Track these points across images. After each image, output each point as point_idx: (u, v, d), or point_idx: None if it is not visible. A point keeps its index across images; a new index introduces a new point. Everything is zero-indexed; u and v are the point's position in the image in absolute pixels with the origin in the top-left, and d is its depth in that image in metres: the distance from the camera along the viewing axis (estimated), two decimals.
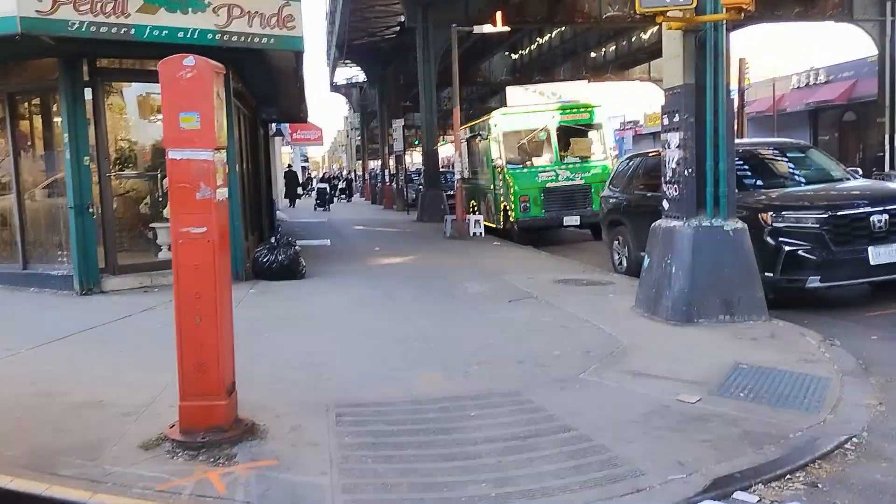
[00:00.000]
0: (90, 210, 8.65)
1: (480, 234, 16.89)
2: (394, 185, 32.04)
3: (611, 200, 11.42)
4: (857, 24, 23.51)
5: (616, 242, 11.04)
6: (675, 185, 7.05)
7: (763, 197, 8.10)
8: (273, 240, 9.55)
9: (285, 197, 36.08)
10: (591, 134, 16.43)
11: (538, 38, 32.58)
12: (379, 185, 36.47)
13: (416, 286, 9.45)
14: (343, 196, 39.87)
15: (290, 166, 46.52)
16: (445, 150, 35.30)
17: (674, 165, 7.06)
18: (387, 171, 33.60)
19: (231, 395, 4.02)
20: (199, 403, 3.85)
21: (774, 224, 7.60)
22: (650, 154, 10.89)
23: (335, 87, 52.42)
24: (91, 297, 8.68)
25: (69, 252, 8.82)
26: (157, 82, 3.74)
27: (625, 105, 47.63)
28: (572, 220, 15.34)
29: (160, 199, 9.24)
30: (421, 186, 25.03)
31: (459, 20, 19.19)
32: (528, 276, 10.14)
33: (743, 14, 6.47)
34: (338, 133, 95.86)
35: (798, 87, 36.47)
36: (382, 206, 33.04)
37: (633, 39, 32.13)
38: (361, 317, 7.64)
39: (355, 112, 56.96)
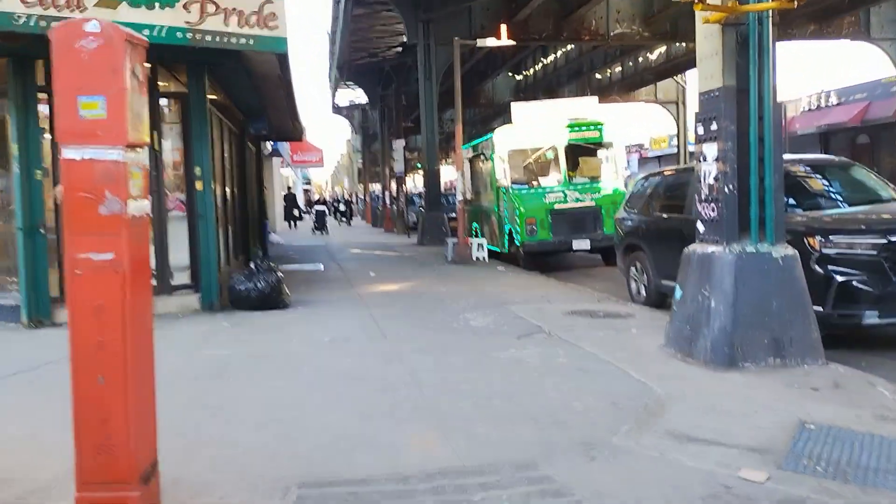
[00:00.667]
0: (42, 231, 7.65)
1: (484, 258, 15.88)
2: (394, 207, 31.11)
3: (627, 223, 10.41)
4: (875, 42, 22.66)
5: (633, 269, 10.02)
6: (713, 205, 6.03)
7: (808, 219, 7.08)
8: (252, 265, 8.50)
9: (285, 219, 35.46)
10: (602, 153, 15.48)
11: (542, 59, 31.82)
12: (380, 207, 35.55)
13: (412, 318, 8.41)
14: (343, 219, 38.80)
15: (289, 188, 45.79)
16: (448, 172, 34.46)
17: (711, 181, 6.05)
18: (387, 194, 32.68)
19: (149, 482, 2.96)
20: (101, 496, 2.80)
21: (823, 250, 6.57)
22: (670, 172, 9.91)
23: (337, 109, 51.75)
24: (40, 331, 7.66)
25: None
26: None
27: (630, 127, 46.83)
28: (582, 244, 14.32)
29: None
30: (422, 209, 24.06)
31: (462, 36, 18.36)
32: (537, 306, 9.10)
33: (795, 3, 5.50)
34: (341, 156, 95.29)
35: (809, 110, 35.64)
36: (383, 230, 32.10)
37: (640, 60, 31.34)
38: (346, 356, 6.58)
39: (357, 134, 56.28)
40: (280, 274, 8.64)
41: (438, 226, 21.26)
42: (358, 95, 45.47)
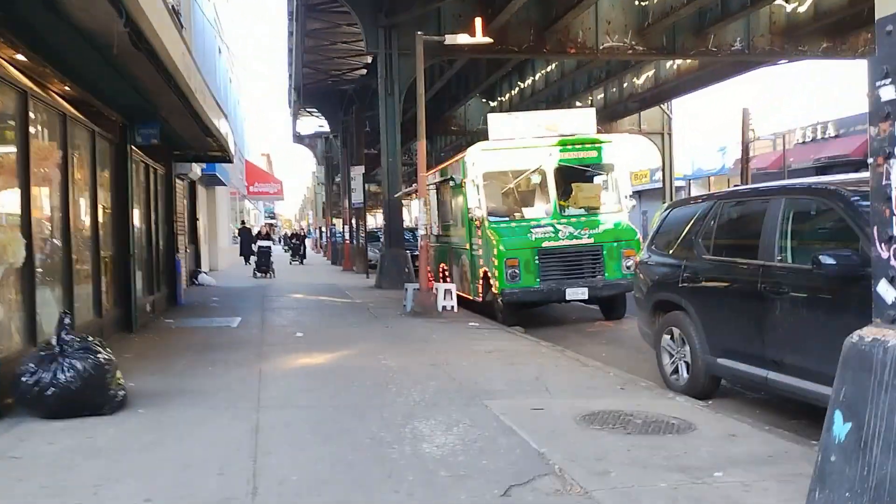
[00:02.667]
0: None
1: (452, 308, 12.62)
2: (355, 244, 27.74)
3: (656, 269, 7.25)
4: None
5: (668, 338, 6.83)
6: None
7: None
8: (55, 340, 5.05)
9: (241, 254, 32.48)
10: (601, 178, 12.41)
11: (519, 82, 28.96)
12: (339, 243, 32.13)
13: (325, 432, 5.04)
14: (294, 257, 33.69)
15: (243, 223, 42.25)
16: (415, 207, 31.17)
17: None
18: (346, 229, 29.33)
19: None
20: None
21: None
22: (730, 197, 6.77)
23: (298, 138, 48.51)
24: None
25: None
26: None
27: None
28: (578, 292, 11.13)
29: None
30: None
31: (430, 46, 15.27)
32: (531, 400, 5.83)
33: None
34: (307, 189, 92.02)
35: (803, 142, 33.32)
36: (342, 268, 28.66)
37: (625, 85, 28.73)
38: None
39: (320, 165, 53.06)
40: (104, 355, 5.17)
41: (400, 266, 17.98)
42: (322, 124, 42.46)
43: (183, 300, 13.45)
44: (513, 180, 12.06)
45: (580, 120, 12.50)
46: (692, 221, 6.83)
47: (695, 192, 39.04)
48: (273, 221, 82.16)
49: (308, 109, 41.50)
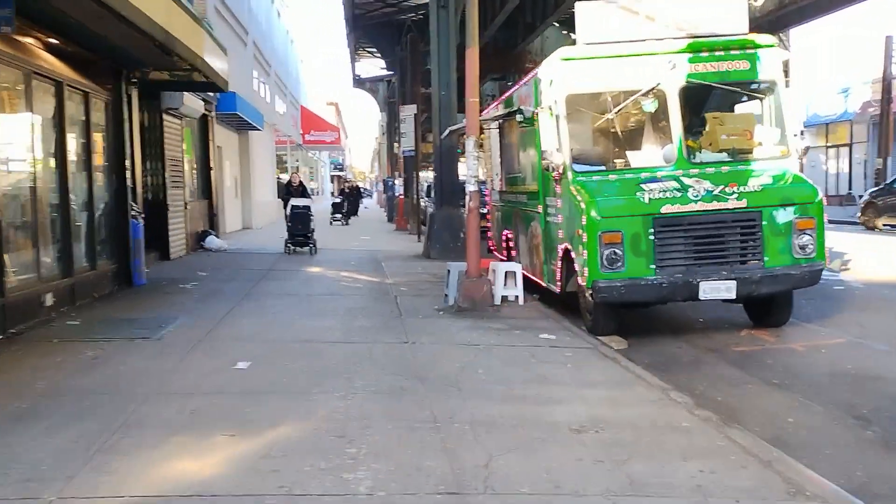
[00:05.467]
0: None
1: (517, 299, 8.62)
2: (410, 199, 23.75)
3: None
4: None
5: None
6: None
7: None
8: None
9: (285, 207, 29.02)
10: (754, 104, 7.95)
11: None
12: (394, 198, 28.20)
13: None
14: (337, 217, 26.96)
15: (291, 174, 39.64)
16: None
17: None
18: (400, 181, 25.39)
19: None
20: None
21: None
22: None
23: (359, 82, 44.37)
24: None
25: None
26: None
27: None
28: (719, 288, 6.86)
29: None
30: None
31: None
32: None
33: None
34: (375, 140, 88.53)
35: None
36: (395, 227, 24.79)
37: None
38: None
39: (382, 111, 49.08)
40: None
41: (455, 230, 13.97)
42: (384, 66, 38.35)
43: (143, 279, 9.79)
44: (611, 107, 7.72)
45: (723, 12, 7.97)
46: None
47: (809, 142, 33.01)
48: (343, 174, 78.62)
49: (367, 49, 37.41)
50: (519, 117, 9.41)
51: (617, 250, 6.89)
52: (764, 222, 6.92)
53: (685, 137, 7.46)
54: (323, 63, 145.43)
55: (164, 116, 12.82)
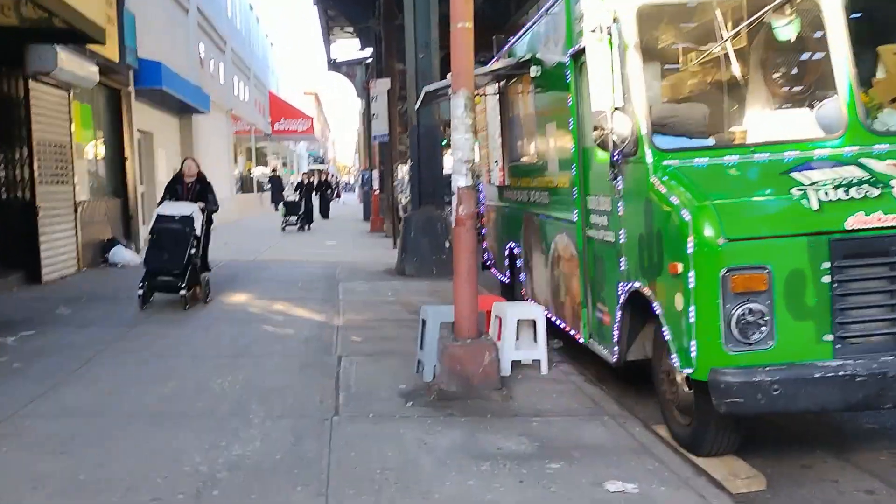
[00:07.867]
0: None
1: (540, 366, 5.13)
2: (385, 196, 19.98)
3: None
4: None
5: None
6: None
7: None
8: None
9: (272, 202, 29.48)
10: None
11: None
12: (369, 192, 24.37)
13: None
14: (289, 220, 20.72)
15: (274, 170, 37.78)
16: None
17: None
18: (374, 174, 21.64)
19: None
20: None
21: None
22: None
23: (334, 65, 40.60)
24: None
25: None
26: None
27: None
28: None
29: None
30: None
31: None
32: None
33: None
34: (357, 132, 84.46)
35: None
36: (370, 229, 20.92)
37: None
38: None
39: (360, 98, 45.24)
40: None
41: (438, 236, 10.46)
42: (362, 49, 34.75)
43: None
44: (720, 35, 4.19)
45: None
46: None
47: None
48: (323, 167, 74.05)
49: (344, 29, 33.77)
50: (535, 70, 5.98)
51: (760, 306, 3.39)
52: None
53: (858, 89, 3.98)
54: (303, 54, 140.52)
55: (32, 84, 9.17)
